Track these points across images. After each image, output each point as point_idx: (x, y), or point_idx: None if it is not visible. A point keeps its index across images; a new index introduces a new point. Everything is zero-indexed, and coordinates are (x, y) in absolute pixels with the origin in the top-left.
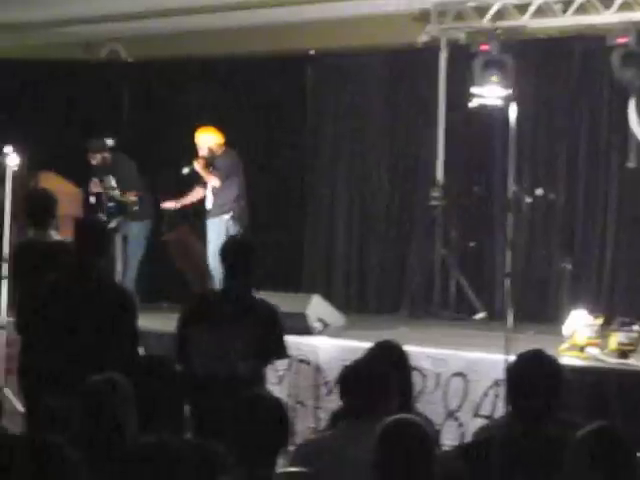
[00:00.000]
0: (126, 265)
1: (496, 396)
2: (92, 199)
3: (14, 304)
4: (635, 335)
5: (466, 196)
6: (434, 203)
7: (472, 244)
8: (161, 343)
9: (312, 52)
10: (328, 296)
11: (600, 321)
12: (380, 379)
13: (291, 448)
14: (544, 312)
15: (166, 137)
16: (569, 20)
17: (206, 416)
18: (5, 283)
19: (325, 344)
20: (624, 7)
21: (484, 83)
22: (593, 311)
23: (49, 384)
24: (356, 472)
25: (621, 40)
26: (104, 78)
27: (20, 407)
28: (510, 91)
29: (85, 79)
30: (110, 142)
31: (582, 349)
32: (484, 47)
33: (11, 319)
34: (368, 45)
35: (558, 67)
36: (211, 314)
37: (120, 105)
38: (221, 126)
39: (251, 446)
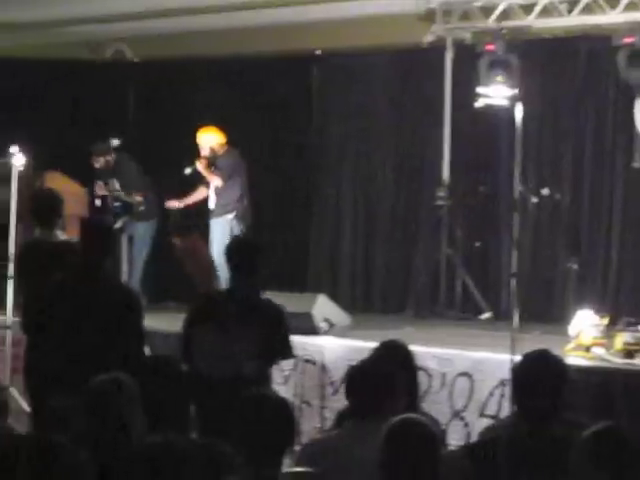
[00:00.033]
0: (132, 265)
1: (502, 396)
2: (97, 202)
3: (20, 304)
4: None
5: (472, 196)
6: (440, 203)
7: (478, 244)
8: (167, 343)
9: (318, 52)
10: (334, 296)
11: (606, 321)
12: (386, 379)
13: (297, 448)
14: (550, 312)
15: (171, 137)
16: (575, 20)
17: (212, 416)
18: (11, 283)
19: (331, 344)
20: (630, 7)
21: (490, 83)
22: (599, 311)
23: (55, 384)
24: (362, 472)
25: (627, 40)
26: (109, 78)
27: (26, 407)
28: (516, 91)
29: (91, 79)
30: (115, 142)
31: (588, 349)
32: (490, 47)
33: (17, 319)
34: (374, 45)
35: (564, 67)
36: (217, 314)
37: (125, 105)
38: (227, 126)
39: (257, 446)
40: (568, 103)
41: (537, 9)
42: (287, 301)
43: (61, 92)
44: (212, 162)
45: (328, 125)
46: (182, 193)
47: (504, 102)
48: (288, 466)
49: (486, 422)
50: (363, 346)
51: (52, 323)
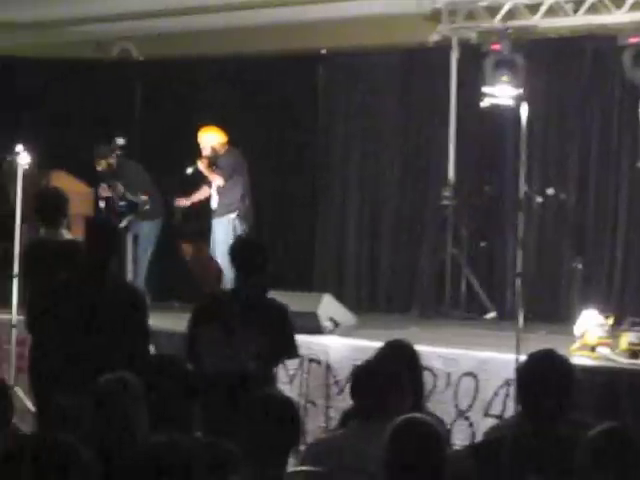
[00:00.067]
0: (137, 264)
1: (507, 396)
2: (101, 204)
3: (25, 303)
4: None
5: (477, 195)
6: (445, 202)
7: (483, 244)
8: (172, 342)
9: (324, 51)
10: (339, 296)
11: (611, 321)
12: (392, 378)
13: (302, 447)
14: (555, 312)
15: (177, 136)
16: (580, 20)
17: (217, 415)
18: (16, 281)
19: (336, 343)
20: (636, 7)
21: (495, 83)
22: (604, 311)
23: (60, 383)
24: (367, 471)
25: (632, 40)
26: (115, 77)
27: (31, 406)
28: (521, 91)
29: (97, 78)
30: (120, 141)
31: (593, 349)
32: (495, 47)
33: (22, 318)
34: (379, 44)
35: (569, 67)
36: (222, 314)
37: (131, 104)
38: (232, 126)
39: (262, 445)
40: (573, 103)
41: (543, 9)
42: (292, 300)
43: (67, 91)
44: (213, 162)
45: (333, 125)
46: (185, 192)
47: (509, 102)
48: (293, 465)
49: (491, 422)
50: (368, 346)
51: (57, 322)
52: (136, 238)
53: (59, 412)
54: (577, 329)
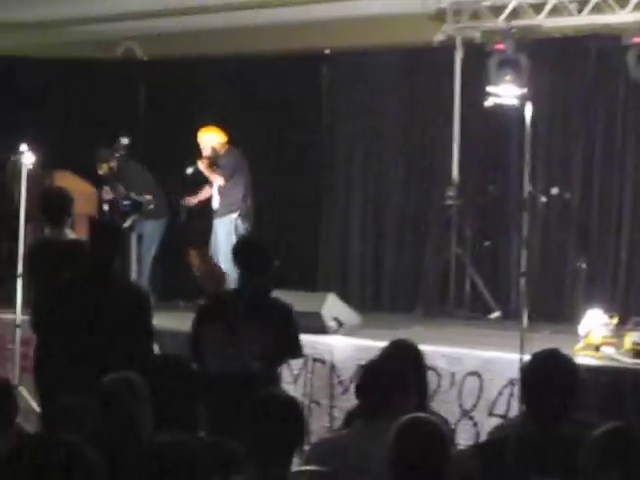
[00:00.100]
0: (141, 264)
1: (511, 395)
2: (105, 207)
3: (29, 302)
4: None
5: (481, 195)
6: (449, 202)
7: (487, 243)
8: (176, 342)
9: (327, 51)
10: (343, 295)
11: (615, 320)
12: (397, 378)
13: (306, 447)
14: (559, 311)
15: (182, 135)
16: (584, 19)
17: (221, 415)
18: (20, 281)
19: (340, 343)
20: None
21: (499, 82)
22: (608, 310)
23: (64, 383)
24: (372, 471)
25: (637, 39)
26: (120, 77)
27: (35, 406)
28: (525, 90)
29: (101, 77)
30: (125, 141)
31: (597, 348)
32: (499, 46)
33: (26, 317)
34: (383, 44)
35: (573, 66)
36: (225, 313)
37: (136, 104)
38: (236, 126)
39: (266, 445)
40: (578, 102)
41: (547, 8)
42: (296, 300)
43: (71, 91)
44: (214, 161)
45: (337, 125)
46: (192, 191)
47: (514, 101)
48: (297, 465)
49: (495, 421)
50: (372, 345)
51: (61, 322)
52: (140, 238)
53: (63, 412)
54: (581, 329)
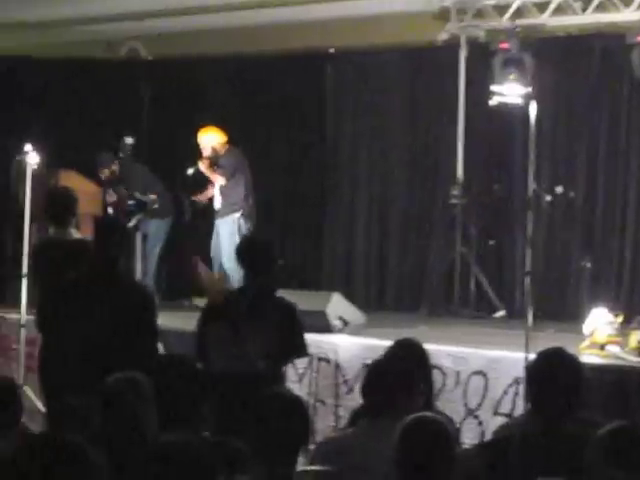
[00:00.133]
0: (146, 263)
1: (516, 394)
2: (110, 210)
3: (34, 302)
4: None
5: (486, 194)
6: (454, 201)
7: (492, 242)
8: (182, 342)
9: (332, 50)
10: (348, 294)
11: (620, 319)
12: (402, 377)
13: (311, 446)
14: (564, 310)
15: (186, 134)
16: (589, 18)
17: (226, 415)
18: (25, 281)
19: (345, 342)
20: None
21: (504, 81)
22: (613, 309)
23: (69, 383)
24: (377, 470)
25: None
26: (124, 76)
27: (40, 406)
28: (530, 89)
29: (105, 77)
30: (130, 140)
31: (602, 347)
32: (504, 45)
33: (31, 317)
34: (388, 43)
35: (578, 65)
36: (230, 313)
37: (140, 103)
38: (241, 125)
39: (271, 444)
40: (582, 101)
41: (551, 7)
42: (301, 299)
43: (75, 91)
44: (214, 162)
45: (342, 123)
46: (195, 191)
47: (518, 100)
48: (303, 465)
49: (500, 420)
50: (377, 344)
51: (66, 322)
52: (145, 237)
53: (68, 412)
54: (586, 327)
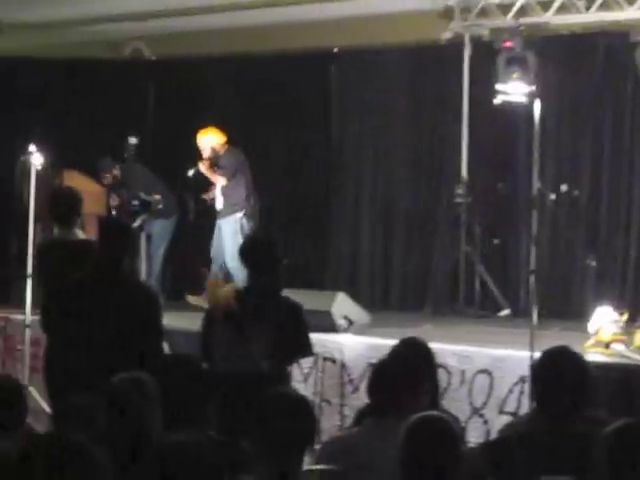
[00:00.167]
0: (150, 263)
1: (521, 393)
2: (114, 212)
3: (39, 303)
4: None
5: (490, 193)
6: (458, 200)
7: (496, 241)
8: (187, 341)
9: (336, 50)
10: (353, 294)
11: (625, 317)
12: (407, 376)
13: (317, 446)
14: (569, 309)
15: (190, 134)
16: (592, 16)
17: (231, 415)
18: (30, 281)
19: (350, 342)
20: None
21: (508, 80)
22: (618, 307)
23: (74, 383)
24: (382, 469)
25: None
26: (128, 76)
27: (45, 406)
28: (534, 88)
29: (109, 77)
30: (134, 140)
31: (607, 345)
32: (507, 44)
33: (36, 318)
34: (392, 42)
35: (581, 63)
36: (235, 313)
37: (144, 103)
38: (244, 125)
39: (277, 444)
40: (586, 99)
41: (555, 5)
42: (306, 299)
43: (79, 91)
44: (215, 162)
45: (346, 123)
46: (201, 191)
47: (522, 99)
48: (308, 464)
49: (505, 419)
50: (382, 344)
51: (71, 322)
52: (150, 237)
53: (73, 412)
54: (591, 326)
